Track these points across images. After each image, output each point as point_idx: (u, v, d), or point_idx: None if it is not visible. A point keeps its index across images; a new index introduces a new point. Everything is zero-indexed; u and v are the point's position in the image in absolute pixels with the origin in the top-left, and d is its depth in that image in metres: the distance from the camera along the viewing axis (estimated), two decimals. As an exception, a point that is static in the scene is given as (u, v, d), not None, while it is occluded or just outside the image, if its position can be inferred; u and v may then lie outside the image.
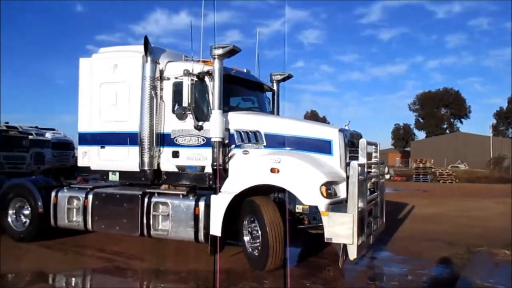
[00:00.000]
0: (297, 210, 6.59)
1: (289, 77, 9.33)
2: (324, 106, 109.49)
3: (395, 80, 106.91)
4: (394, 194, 19.72)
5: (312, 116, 69.13)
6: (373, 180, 7.30)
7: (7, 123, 26.51)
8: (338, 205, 6.11)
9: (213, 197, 6.80)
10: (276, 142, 6.93)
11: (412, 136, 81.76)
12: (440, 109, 78.85)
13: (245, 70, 8.61)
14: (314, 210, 6.35)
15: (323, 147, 6.67)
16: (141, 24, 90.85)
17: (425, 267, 7.14)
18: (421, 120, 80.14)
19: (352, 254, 5.87)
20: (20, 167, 22.22)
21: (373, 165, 7.33)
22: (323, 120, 69.21)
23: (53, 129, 29.65)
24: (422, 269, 6.99)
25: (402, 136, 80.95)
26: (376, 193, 7.32)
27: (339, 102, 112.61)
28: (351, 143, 6.92)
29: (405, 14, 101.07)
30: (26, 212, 8.58)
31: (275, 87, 9.26)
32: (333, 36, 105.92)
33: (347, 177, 6.23)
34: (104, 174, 8.39)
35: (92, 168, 8.39)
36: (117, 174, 8.17)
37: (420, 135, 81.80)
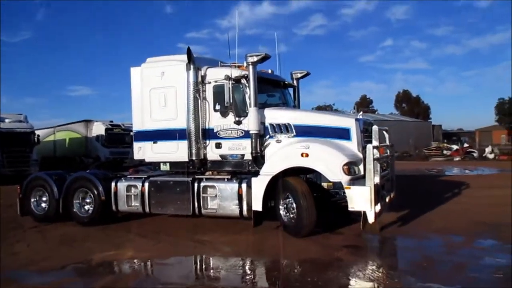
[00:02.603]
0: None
1: (307, 74, 10.74)
2: (418, 84, 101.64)
3: (498, 50, 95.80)
4: (497, 176, 19.25)
5: (405, 97, 64.22)
6: (384, 160, 8.73)
7: (111, 121, 28.06)
8: (358, 181, 7.60)
9: (253, 179, 8.28)
10: (303, 131, 8.37)
11: (519, 111, 69.20)
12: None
13: (269, 71, 10.02)
14: (337, 186, 7.83)
15: (343, 134, 8.12)
16: (226, 18, 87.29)
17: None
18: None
19: (371, 218, 7.37)
20: (124, 161, 23.61)
21: (384, 147, 8.77)
22: (417, 101, 66.14)
23: None
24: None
25: (507, 111, 69.37)
26: (387, 171, 8.76)
27: (434, 79, 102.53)
28: (365, 129, 8.37)
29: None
30: (89, 200, 10.03)
31: (295, 84, 10.68)
32: (423, 9, 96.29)
33: (364, 158, 7.69)
34: (156, 165, 9.92)
35: (147, 160, 9.92)
36: (168, 164, 9.67)
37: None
